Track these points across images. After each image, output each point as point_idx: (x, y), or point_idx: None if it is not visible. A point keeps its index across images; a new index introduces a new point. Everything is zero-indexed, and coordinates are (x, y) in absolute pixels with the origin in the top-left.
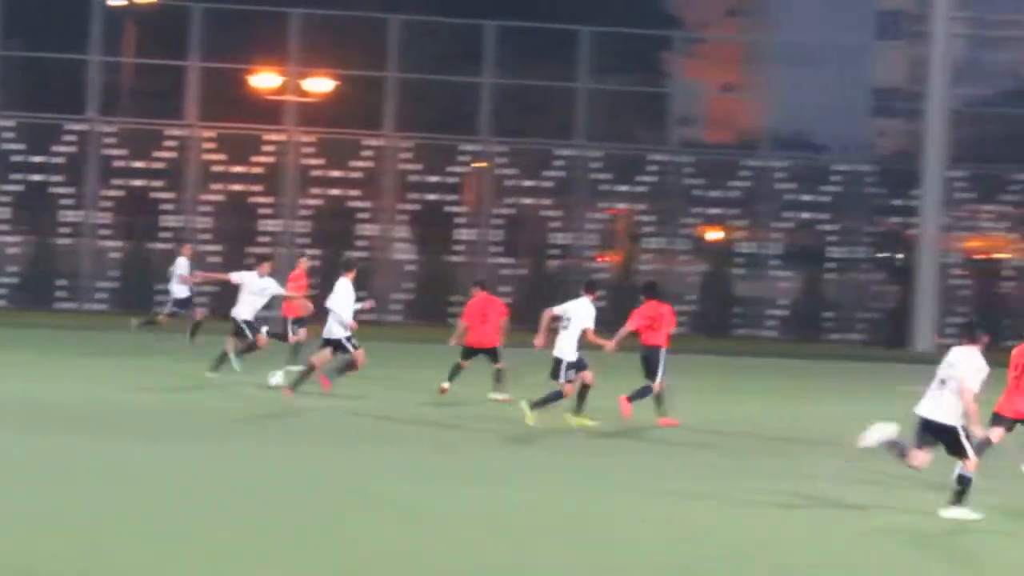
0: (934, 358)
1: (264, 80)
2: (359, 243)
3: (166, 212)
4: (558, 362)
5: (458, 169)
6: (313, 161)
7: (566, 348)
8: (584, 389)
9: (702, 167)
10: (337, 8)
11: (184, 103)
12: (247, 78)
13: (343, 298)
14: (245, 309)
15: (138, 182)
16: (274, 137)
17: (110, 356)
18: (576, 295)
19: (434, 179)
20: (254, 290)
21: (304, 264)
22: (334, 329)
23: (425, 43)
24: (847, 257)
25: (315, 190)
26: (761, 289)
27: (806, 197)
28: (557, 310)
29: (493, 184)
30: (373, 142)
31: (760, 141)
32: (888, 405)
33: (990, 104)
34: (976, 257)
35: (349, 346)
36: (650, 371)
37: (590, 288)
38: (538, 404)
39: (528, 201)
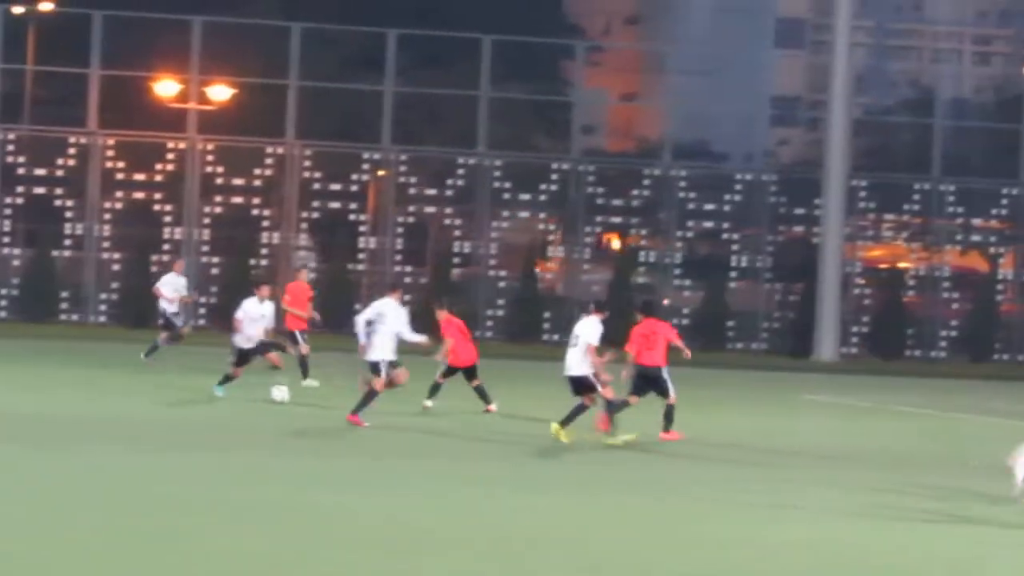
0: (838, 367)
1: (166, 88)
2: (262, 251)
3: (68, 219)
4: (574, 380)
5: (360, 177)
6: (215, 169)
7: (574, 365)
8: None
9: (604, 176)
10: (239, 16)
11: (86, 110)
12: (149, 85)
13: (400, 318)
14: (243, 338)
15: (40, 189)
16: (176, 145)
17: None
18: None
19: (336, 187)
20: (254, 316)
21: (304, 275)
22: (384, 350)
23: (327, 51)
24: (750, 266)
25: (217, 198)
26: (666, 297)
27: (708, 206)
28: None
29: (395, 192)
30: (275, 150)
31: (662, 150)
32: (798, 415)
33: (891, 113)
34: (879, 267)
35: (384, 368)
36: (643, 391)
37: (599, 308)
38: (610, 420)
39: (430, 209)
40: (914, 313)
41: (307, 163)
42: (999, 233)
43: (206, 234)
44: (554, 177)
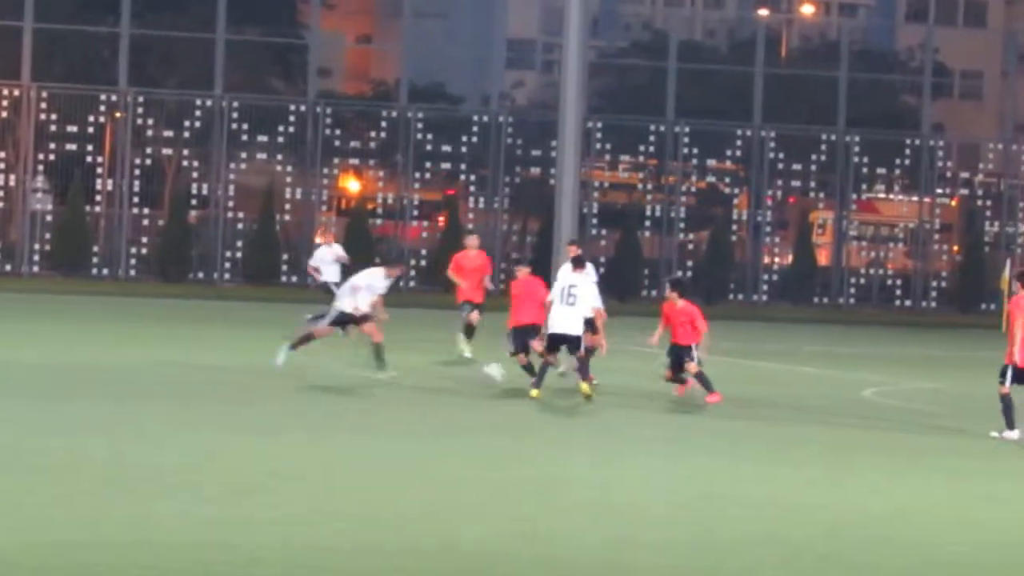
0: None
1: None
2: None
3: None
4: (570, 338)
5: (97, 119)
6: None
7: (572, 323)
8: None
9: (341, 118)
10: None
11: None
12: None
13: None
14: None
15: None
16: None
17: None
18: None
19: (72, 129)
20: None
21: (472, 242)
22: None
23: None
24: (487, 207)
25: None
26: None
27: (445, 148)
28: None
29: (132, 134)
30: (10, 91)
31: (398, 92)
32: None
33: (627, 55)
34: (615, 206)
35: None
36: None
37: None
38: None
39: (167, 151)
40: (648, 254)
41: (43, 105)
42: (733, 174)
43: None
44: (291, 119)
